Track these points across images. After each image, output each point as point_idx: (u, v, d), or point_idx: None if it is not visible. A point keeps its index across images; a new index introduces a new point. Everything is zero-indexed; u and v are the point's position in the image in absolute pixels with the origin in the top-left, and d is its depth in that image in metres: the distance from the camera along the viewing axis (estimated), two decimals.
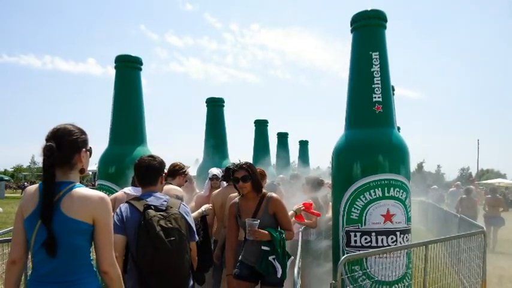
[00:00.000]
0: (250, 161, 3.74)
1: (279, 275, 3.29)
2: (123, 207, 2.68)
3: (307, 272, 5.08)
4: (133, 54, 5.70)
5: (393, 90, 5.54)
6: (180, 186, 4.27)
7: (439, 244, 4.96)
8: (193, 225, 2.78)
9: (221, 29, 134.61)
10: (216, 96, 7.86)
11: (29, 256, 2.16)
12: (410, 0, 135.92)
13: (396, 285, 4.24)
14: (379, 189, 4.28)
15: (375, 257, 4.14)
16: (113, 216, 2.40)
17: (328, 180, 5.78)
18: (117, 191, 4.35)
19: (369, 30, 4.60)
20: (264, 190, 3.54)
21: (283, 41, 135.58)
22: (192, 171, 7.67)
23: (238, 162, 3.53)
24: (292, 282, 3.10)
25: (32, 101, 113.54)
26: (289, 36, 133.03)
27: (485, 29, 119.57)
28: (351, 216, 4.34)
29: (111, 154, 5.48)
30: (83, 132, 2.20)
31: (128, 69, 5.65)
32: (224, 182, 4.72)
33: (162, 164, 2.90)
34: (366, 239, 4.26)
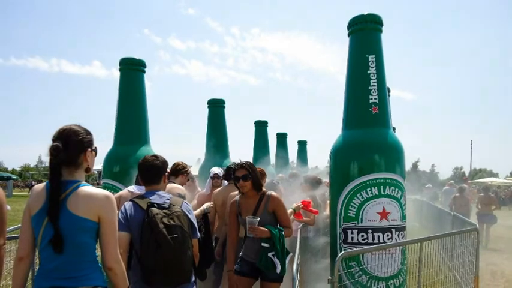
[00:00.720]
0: (251, 160, 3.74)
1: (278, 271, 3.29)
2: (128, 205, 2.68)
3: (305, 268, 5.08)
4: (137, 57, 5.69)
5: (389, 91, 5.53)
6: (182, 184, 4.27)
7: (433, 241, 4.96)
8: (195, 222, 2.78)
9: (222, 32, 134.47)
10: (217, 98, 7.85)
11: (36, 252, 2.16)
12: (406, 5, 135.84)
13: (392, 281, 4.24)
14: (375, 187, 4.28)
15: (371, 254, 4.14)
16: (118, 214, 2.40)
17: (325, 179, 5.78)
18: (121, 190, 4.34)
19: (365, 33, 4.60)
20: (263, 189, 3.54)
21: (282, 44, 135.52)
22: (194, 171, 7.68)
23: (239, 161, 3.53)
24: (291, 278, 3.09)
25: (39, 103, 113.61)
26: (288, 40, 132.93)
27: (476, 33, 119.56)
28: (348, 214, 4.34)
29: (116, 154, 5.48)
30: (88, 133, 2.20)
31: (132, 71, 5.65)
32: (225, 181, 4.72)
33: (165, 163, 2.91)
34: (362, 236, 4.26)
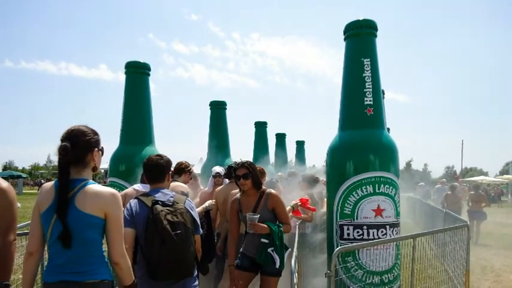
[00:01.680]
0: (251, 159, 3.74)
1: (277, 266, 3.30)
2: (133, 202, 2.68)
3: (303, 262, 5.08)
4: (142, 61, 5.68)
5: (383, 94, 5.53)
6: (185, 183, 4.27)
7: (426, 237, 4.97)
8: (197, 219, 2.78)
9: (224, 37, 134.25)
10: (219, 100, 7.85)
11: (45, 248, 2.16)
12: (401, 10, 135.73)
13: (386, 275, 4.24)
14: (370, 186, 4.27)
15: (367, 249, 4.14)
16: (123, 211, 2.40)
17: (323, 178, 5.77)
18: (127, 188, 4.34)
19: (360, 38, 4.59)
20: (263, 187, 3.54)
21: (281, 48, 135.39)
22: (197, 170, 7.66)
23: (240, 161, 3.53)
24: (289, 272, 3.09)
25: (48, 104, 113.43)
26: (287, 44, 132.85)
27: (467, 36, 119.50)
28: (344, 211, 4.33)
29: (122, 153, 5.48)
30: (95, 133, 2.20)
31: (137, 74, 5.64)
32: (226, 180, 4.71)
33: (168, 162, 2.90)
34: (358, 232, 4.26)
